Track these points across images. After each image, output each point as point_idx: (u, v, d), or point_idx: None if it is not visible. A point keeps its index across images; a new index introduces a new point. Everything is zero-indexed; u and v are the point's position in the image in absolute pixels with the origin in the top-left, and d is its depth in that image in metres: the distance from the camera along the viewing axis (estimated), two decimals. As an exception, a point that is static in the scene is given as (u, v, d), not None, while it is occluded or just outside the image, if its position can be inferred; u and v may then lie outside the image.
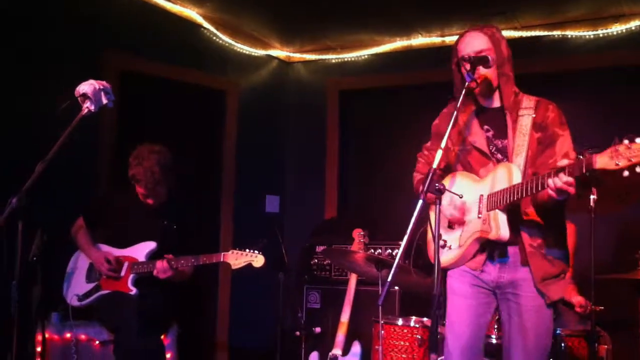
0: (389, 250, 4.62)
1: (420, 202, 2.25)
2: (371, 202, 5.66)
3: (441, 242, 2.68)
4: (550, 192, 2.31)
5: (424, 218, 2.46)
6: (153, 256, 3.83)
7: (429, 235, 2.75)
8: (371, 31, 5.34)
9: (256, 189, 5.59)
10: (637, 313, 3.39)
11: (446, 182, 2.74)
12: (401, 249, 2.23)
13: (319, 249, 4.88)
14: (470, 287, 2.69)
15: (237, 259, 3.67)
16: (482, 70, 2.62)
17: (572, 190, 2.27)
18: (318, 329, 4.65)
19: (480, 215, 2.58)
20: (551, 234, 2.61)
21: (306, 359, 4.42)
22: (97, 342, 3.67)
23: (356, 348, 4.21)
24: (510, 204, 2.49)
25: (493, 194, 2.53)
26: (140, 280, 3.79)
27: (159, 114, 5.00)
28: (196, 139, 5.26)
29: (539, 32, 4.91)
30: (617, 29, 4.71)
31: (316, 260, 4.89)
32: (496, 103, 2.74)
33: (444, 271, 2.73)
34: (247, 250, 3.67)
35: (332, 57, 5.73)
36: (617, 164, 2.09)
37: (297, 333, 4.57)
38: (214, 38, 5.28)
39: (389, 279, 2.20)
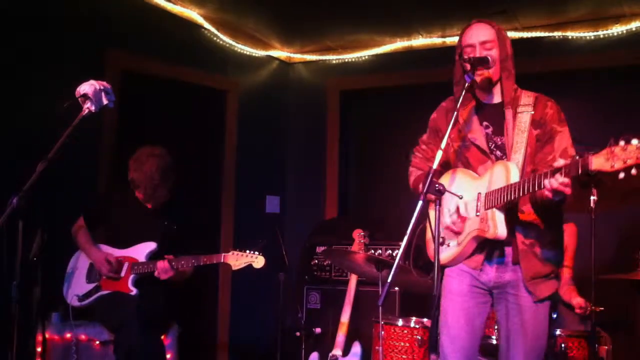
0: (389, 251, 4.63)
1: (420, 202, 2.25)
2: (371, 202, 5.66)
3: (440, 240, 2.67)
4: (547, 192, 2.31)
5: (423, 216, 2.45)
6: (153, 256, 3.83)
7: (428, 234, 2.75)
8: (372, 32, 5.34)
9: (256, 189, 5.60)
10: (638, 313, 3.39)
11: (446, 178, 2.74)
12: (401, 249, 2.23)
13: (319, 249, 4.88)
14: (467, 287, 2.69)
15: (237, 259, 3.67)
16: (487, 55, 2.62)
17: (568, 190, 2.27)
18: (318, 330, 4.65)
19: (478, 214, 2.58)
20: (546, 233, 2.61)
21: (306, 359, 4.42)
22: (98, 342, 3.68)
23: (356, 348, 4.20)
24: (508, 203, 2.49)
25: (491, 192, 2.53)
26: (141, 281, 3.79)
27: (160, 114, 5.00)
28: (196, 139, 5.26)
29: (540, 33, 4.91)
30: (617, 29, 4.71)
31: (316, 261, 4.89)
32: (496, 99, 2.73)
33: (442, 270, 2.72)
34: (248, 251, 3.68)
35: (333, 57, 5.73)
36: (612, 166, 2.08)
37: (297, 333, 4.57)
38: (215, 38, 5.28)
39: (389, 279, 2.20)
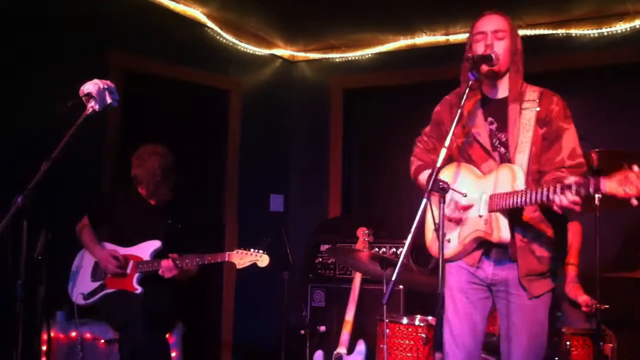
0: (394, 249, 4.63)
1: (425, 201, 2.25)
2: (375, 200, 5.66)
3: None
4: (556, 208, 2.30)
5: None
6: (158, 255, 3.84)
7: (428, 223, 2.74)
8: (375, 30, 5.33)
9: (260, 188, 5.60)
10: (643, 312, 3.39)
11: (449, 171, 2.72)
12: (405, 247, 2.23)
13: (324, 247, 4.88)
14: (465, 284, 2.69)
15: (241, 258, 3.68)
16: (496, 46, 2.60)
17: (577, 208, 2.26)
18: (323, 328, 4.65)
19: (481, 215, 2.57)
20: (546, 232, 2.60)
21: (311, 357, 4.42)
22: (103, 340, 3.68)
23: (361, 347, 4.21)
24: (513, 209, 2.48)
25: (495, 195, 2.52)
26: (145, 279, 3.80)
27: (163, 113, 5.00)
28: (200, 139, 5.26)
29: (543, 31, 4.90)
30: (621, 27, 4.70)
31: (321, 259, 4.89)
32: (501, 94, 2.71)
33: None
34: (252, 249, 3.68)
35: (336, 56, 5.72)
36: (625, 192, 2.08)
37: (302, 332, 4.57)
38: (218, 37, 5.28)
39: (394, 277, 2.20)
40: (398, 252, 4.57)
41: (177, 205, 4.08)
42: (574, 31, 4.84)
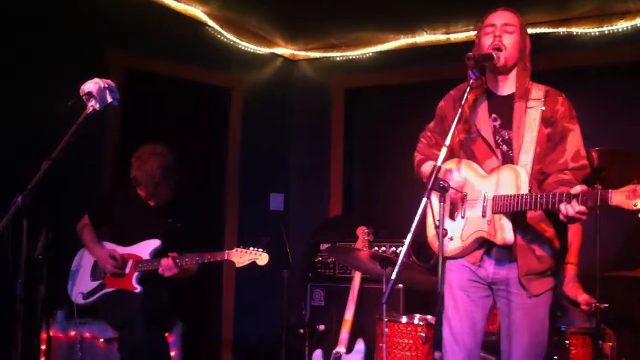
0: (393, 248, 4.62)
1: (425, 199, 2.25)
2: (375, 199, 5.66)
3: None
4: (561, 217, 2.30)
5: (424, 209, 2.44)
6: (157, 254, 3.84)
7: (429, 221, 2.74)
8: (376, 29, 5.33)
9: (260, 186, 5.59)
10: (642, 311, 3.39)
11: (451, 165, 2.71)
12: (405, 246, 2.23)
13: (323, 246, 4.87)
14: (466, 281, 2.69)
15: (241, 257, 3.68)
16: (505, 39, 2.60)
17: (584, 217, 2.27)
18: (322, 327, 4.65)
19: (484, 216, 2.57)
20: (547, 231, 2.60)
21: (310, 356, 4.42)
22: (102, 339, 3.68)
23: (360, 345, 4.21)
24: (516, 212, 2.47)
25: (498, 197, 2.51)
26: (145, 278, 3.80)
27: (164, 112, 5.00)
28: (200, 138, 5.26)
29: (544, 29, 4.89)
30: (622, 25, 4.69)
31: (320, 258, 4.89)
32: (507, 90, 2.69)
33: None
34: (252, 248, 3.69)
35: (337, 54, 5.72)
36: (634, 205, 2.09)
37: (301, 330, 4.57)
38: (219, 36, 5.28)
39: (393, 276, 2.20)
40: (398, 251, 4.57)
41: (177, 204, 4.08)
42: (575, 30, 4.84)
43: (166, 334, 3.80)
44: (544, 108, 2.60)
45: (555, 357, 3.31)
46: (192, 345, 4.10)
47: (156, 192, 3.96)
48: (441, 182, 2.30)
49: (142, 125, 4.77)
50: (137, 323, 3.50)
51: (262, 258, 3.67)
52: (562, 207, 2.27)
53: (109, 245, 3.88)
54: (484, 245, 2.63)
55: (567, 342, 3.35)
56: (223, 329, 5.31)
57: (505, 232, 2.50)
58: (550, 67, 4.81)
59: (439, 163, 2.32)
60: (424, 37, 5.33)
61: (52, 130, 2.75)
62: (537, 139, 2.58)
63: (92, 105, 2.76)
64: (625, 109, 4.73)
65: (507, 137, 2.64)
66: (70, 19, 4.34)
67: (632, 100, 4.70)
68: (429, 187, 2.27)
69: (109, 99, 2.82)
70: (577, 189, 2.26)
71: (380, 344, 3.73)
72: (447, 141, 2.36)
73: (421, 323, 3.66)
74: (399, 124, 5.48)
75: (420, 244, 4.17)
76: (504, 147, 2.65)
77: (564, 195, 2.27)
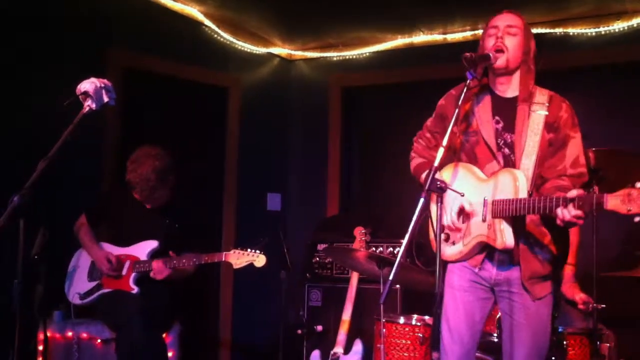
0: (391, 249, 4.62)
1: (422, 200, 2.24)
2: (373, 200, 5.66)
3: (444, 236, 2.66)
4: (558, 221, 2.30)
5: (425, 212, 2.44)
6: (155, 255, 3.84)
7: (431, 231, 2.73)
8: (373, 28, 5.33)
9: (258, 186, 5.59)
10: (640, 311, 3.39)
11: (448, 171, 2.70)
12: (403, 247, 2.23)
13: (321, 247, 4.87)
14: (468, 282, 2.68)
15: (238, 258, 3.67)
16: (507, 41, 2.60)
17: (581, 222, 2.27)
18: (320, 327, 4.65)
19: (485, 220, 2.56)
20: (549, 234, 2.59)
21: (308, 357, 4.42)
22: (99, 340, 3.68)
23: (358, 346, 4.20)
24: (515, 216, 2.47)
25: (497, 201, 2.50)
26: (142, 279, 3.80)
27: (161, 112, 5.00)
28: (198, 137, 5.26)
29: (541, 29, 4.89)
30: (619, 26, 4.70)
31: (318, 259, 4.88)
32: (510, 93, 2.68)
33: (445, 265, 2.71)
34: (249, 249, 3.68)
35: (334, 54, 5.72)
36: (628, 210, 2.10)
37: (299, 331, 4.57)
38: (216, 36, 5.28)
39: (391, 277, 2.19)
40: (395, 252, 4.57)
41: (174, 203, 4.07)
42: (572, 30, 4.84)
43: (164, 335, 3.80)
44: (547, 113, 2.59)
45: (553, 358, 3.31)
46: (190, 346, 4.10)
47: (152, 196, 3.95)
48: (439, 183, 2.29)
49: (139, 125, 4.77)
50: (134, 324, 3.50)
51: (260, 260, 3.67)
52: (559, 211, 2.28)
53: (107, 246, 3.88)
54: (485, 249, 2.63)
55: (564, 342, 3.35)
56: (221, 329, 5.31)
57: (505, 236, 2.50)
58: (547, 67, 4.81)
59: (436, 164, 2.31)
60: (421, 37, 5.34)
61: (52, 130, 2.74)
62: (540, 144, 2.57)
63: (89, 104, 2.75)
64: (622, 109, 4.74)
65: (509, 140, 2.63)
66: (70, 19, 4.34)
67: (629, 100, 4.71)
68: (426, 187, 2.26)
69: (106, 99, 2.80)
70: (574, 193, 2.26)
71: (378, 345, 3.72)
72: (444, 142, 2.35)
73: (419, 324, 3.66)
74: (397, 123, 5.48)
75: (419, 245, 4.18)
76: (506, 151, 2.63)
77: (561, 199, 2.28)
